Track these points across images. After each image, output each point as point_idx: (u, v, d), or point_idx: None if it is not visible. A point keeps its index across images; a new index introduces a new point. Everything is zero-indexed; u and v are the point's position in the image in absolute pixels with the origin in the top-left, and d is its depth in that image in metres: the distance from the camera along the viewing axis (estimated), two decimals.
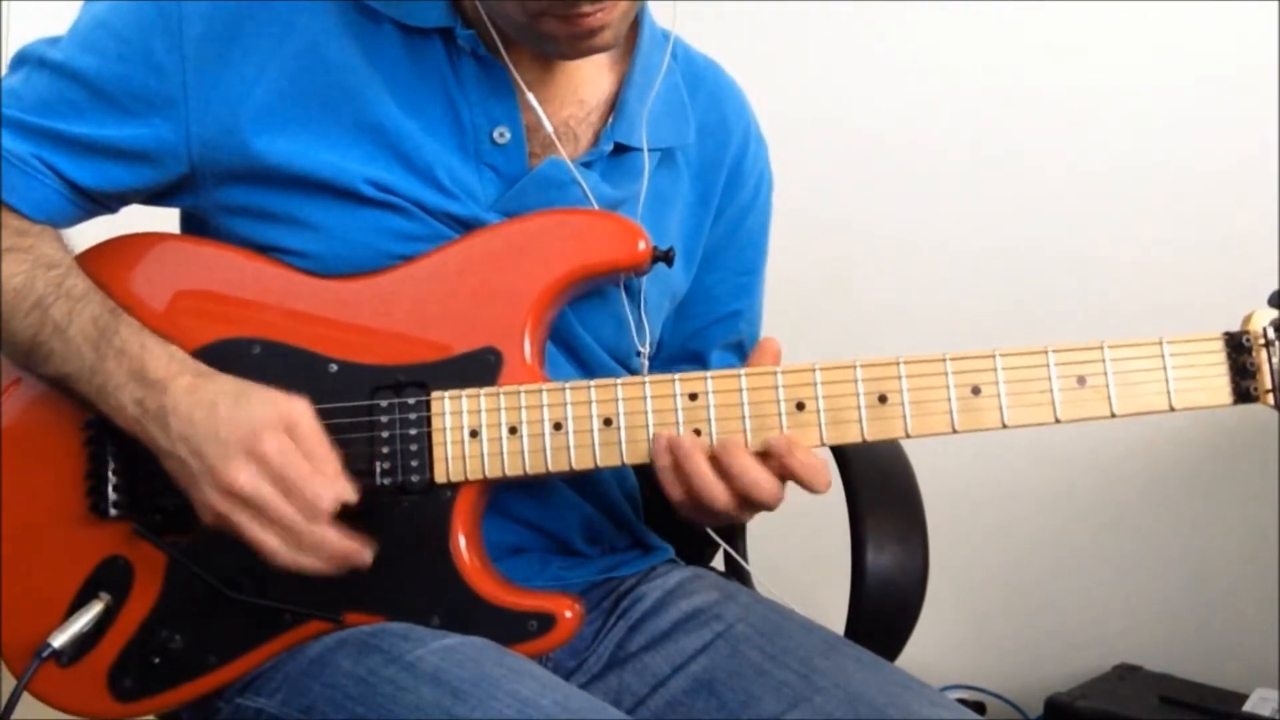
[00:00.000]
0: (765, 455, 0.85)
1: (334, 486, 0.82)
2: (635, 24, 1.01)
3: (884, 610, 1.01)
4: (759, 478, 0.84)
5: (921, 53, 2.13)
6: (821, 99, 2.18)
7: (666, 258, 0.93)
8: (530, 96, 0.95)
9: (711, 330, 1.11)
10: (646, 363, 0.99)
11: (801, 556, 1.82)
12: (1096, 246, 1.97)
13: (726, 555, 1.28)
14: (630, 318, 0.98)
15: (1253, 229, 1.81)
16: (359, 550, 0.84)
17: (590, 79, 1.00)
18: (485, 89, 0.94)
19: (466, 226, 0.93)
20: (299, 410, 0.84)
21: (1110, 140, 1.96)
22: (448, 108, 0.94)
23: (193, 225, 1.01)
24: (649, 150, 1.00)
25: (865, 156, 2.16)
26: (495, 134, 0.94)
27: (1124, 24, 1.95)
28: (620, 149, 0.98)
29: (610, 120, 0.98)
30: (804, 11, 2.20)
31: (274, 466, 0.81)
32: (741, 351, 1.15)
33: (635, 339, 0.98)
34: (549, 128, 0.95)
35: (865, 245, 2.16)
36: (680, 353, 1.11)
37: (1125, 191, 1.95)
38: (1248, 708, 1.69)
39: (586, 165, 0.97)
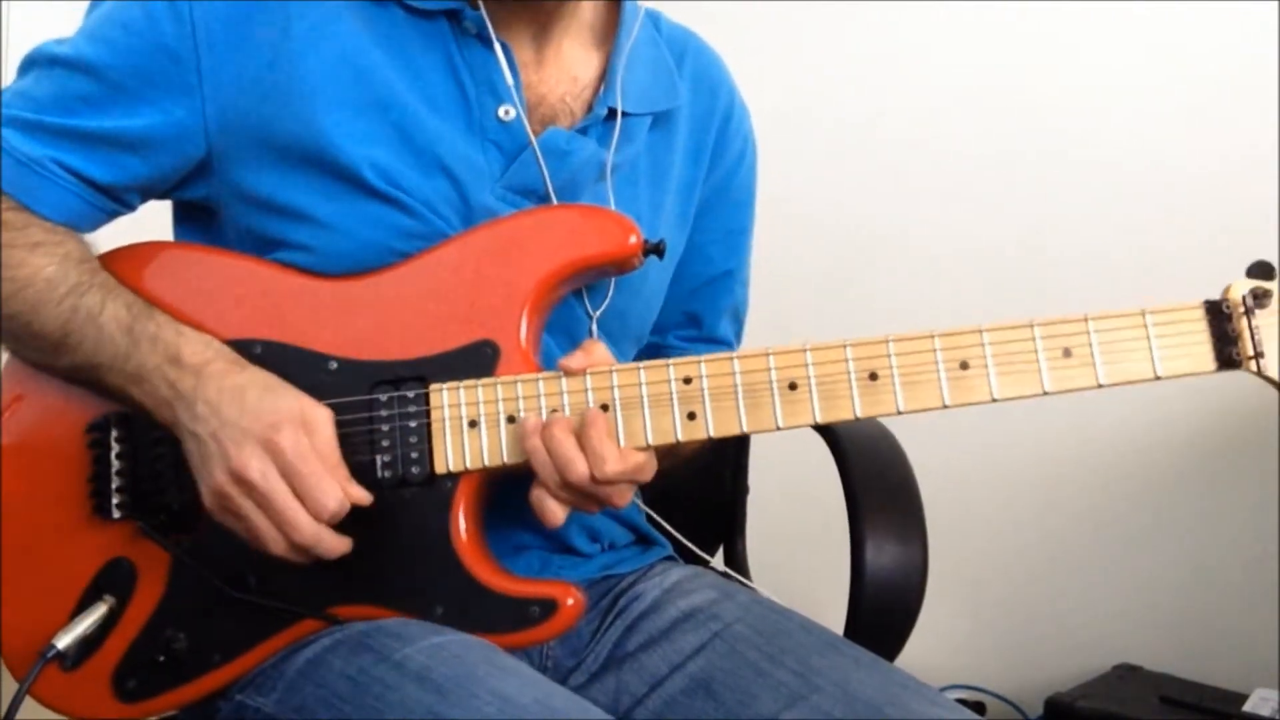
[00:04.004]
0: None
1: (341, 492, 0.84)
2: (617, 6, 1.05)
3: (883, 610, 1.01)
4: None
5: (920, 51, 2.13)
6: (819, 96, 2.19)
7: (658, 250, 0.94)
8: (529, 75, 0.99)
9: (705, 290, 1.14)
10: (595, 326, 1.00)
11: (801, 556, 1.82)
12: (1095, 245, 1.97)
13: (726, 554, 1.28)
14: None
15: (1253, 229, 1.80)
16: (348, 548, 0.86)
17: (581, 58, 1.03)
18: (490, 68, 0.97)
19: (467, 208, 0.95)
20: (321, 416, 0.86)
21: (1110, 139, 1.96)
22: (455, 86, 0.97)
23: (193, 224, 1.01)
24: (642, 115, 1.03)
25: (862, 154, 2.16)
26: (500, 111, 0.97)
27: (1124, 23, 1.95)
28: (614, 114, 1.01)
29: (601, 89, 1.01)
30: (802, 9, 2.20)
31: (286, 460, 0.83)
32: (737, 318, 1.18)
33: (588, 303, 1.00)
34: (543, 102, 0.99)
35: (862, 242, 2.16)
36: (678, 316, 1.13)
37: (1125, 190, 1.95)
38: (1248, 708, 1.69)
39: (583, 132, 1.00)
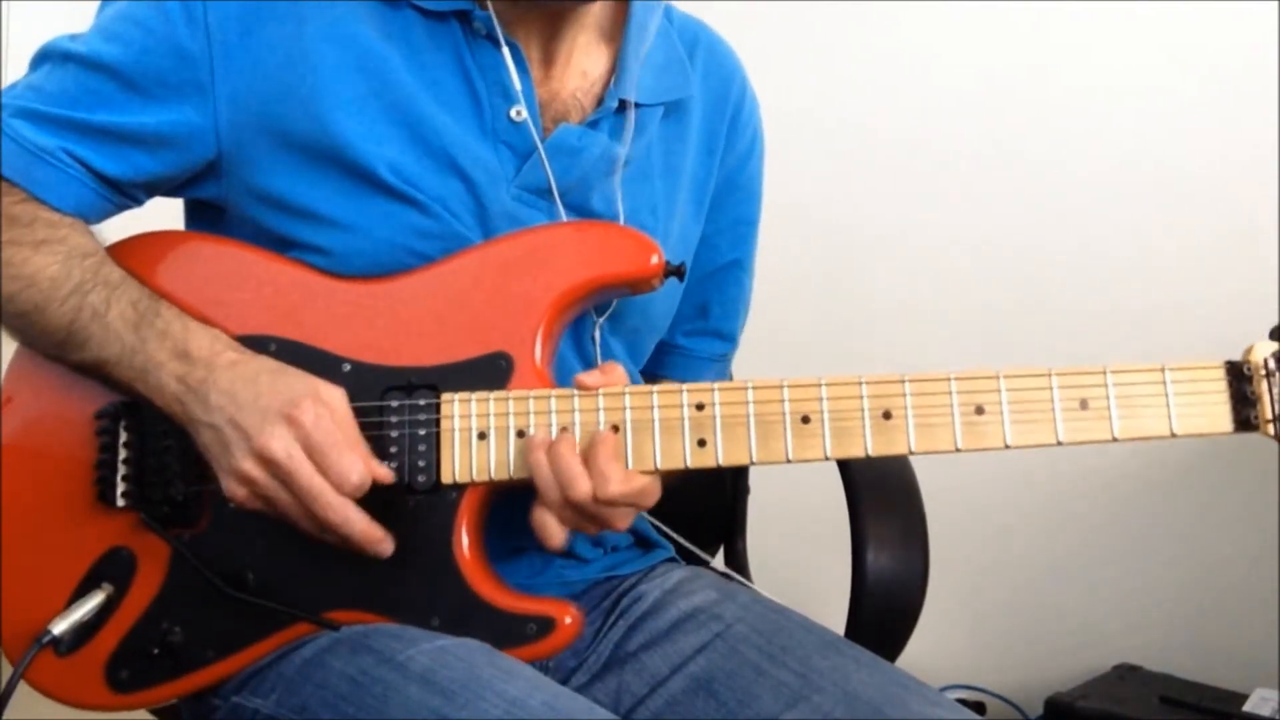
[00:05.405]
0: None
1: (364, 465, 0.84)
2: (626, 2, 1.05)
3: (884, 610, 1.01)
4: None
5: (923, 52, 2.13)
6: (819, 96, 2.18)
7: (678, 273, 0.94)
8: (539, 73, 0.99)
9: (712, 280, 1.14)
10: (599, 332, 1.00)
11: (801, 556, 1.82)
12: (1095, 245, 1.97)
13: (726, 554, 1.28)
14: None
15: (1253, 229, 1.81)
16: (380, 539, 0.85)
17: (591, 55, 1.03)
18: (501, 69, 0.96)
19: (481, 208, 0.95)
20: (336, 394, 0.86)
21: (1111, 140, 1.96)
22: (466, 87, 0.97)
23: (204, 221, 1.01)
24: (653, 105, 1.03)
25: (865, 157, 2.16)
26: (512, 112, 0.97)
27: (1125, 24, 1.95)
28: (625, 106, 1.01)
29: (612, 82, 1.01)
30: (802, 9, 2.20)
31: (308, 433, 0.83)
32: (744, 310, 1.17)
33: (594, 311, 0.99)
34: (559, 99, 0.99)
35: (863, 242, 2.16)
36: (686, 307, 1.12)
37: (1125, 191, 1.95)
38: (1248, 708, 1.69)
39: (594, 125, 1.00)
